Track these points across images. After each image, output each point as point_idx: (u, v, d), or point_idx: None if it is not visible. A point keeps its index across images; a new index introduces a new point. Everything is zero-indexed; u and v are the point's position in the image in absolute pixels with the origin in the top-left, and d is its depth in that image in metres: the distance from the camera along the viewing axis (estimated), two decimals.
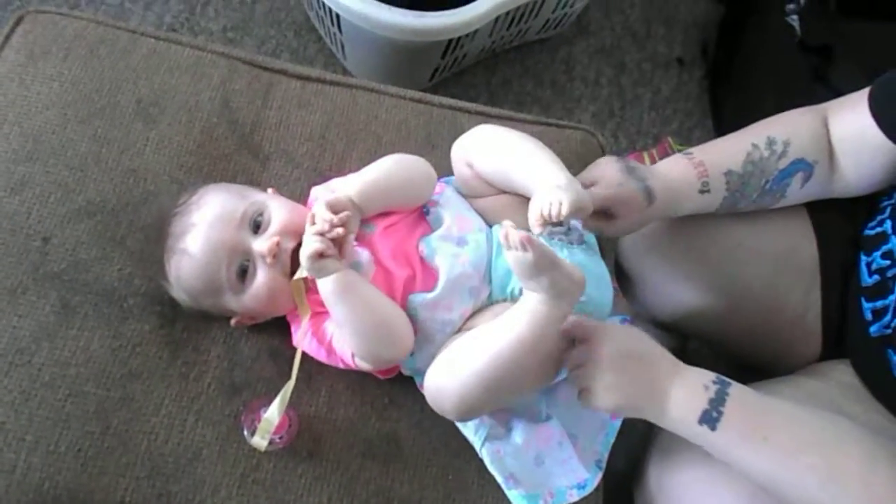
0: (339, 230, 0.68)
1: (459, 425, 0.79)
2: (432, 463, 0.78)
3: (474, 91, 1.60)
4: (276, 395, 0.72)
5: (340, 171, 0.87)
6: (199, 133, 0.88)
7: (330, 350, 0.75)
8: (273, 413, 0.71)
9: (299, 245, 0.70)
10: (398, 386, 0.80)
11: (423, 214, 0.80)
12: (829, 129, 0.84)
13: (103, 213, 0.81)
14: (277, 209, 0.75)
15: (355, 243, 0.76)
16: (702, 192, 0.82)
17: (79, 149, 0.83)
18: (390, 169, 0.78)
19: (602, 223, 0.80)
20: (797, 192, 0.85)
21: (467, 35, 1.33)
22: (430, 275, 0.75)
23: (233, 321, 0.78)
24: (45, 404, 0.72)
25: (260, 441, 0.71)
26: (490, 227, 0.80)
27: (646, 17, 1.80)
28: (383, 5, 1.23)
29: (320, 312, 0.74)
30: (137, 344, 0.76)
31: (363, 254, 0.75)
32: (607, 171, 0.80)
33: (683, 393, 0.67)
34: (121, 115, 0.86)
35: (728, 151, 0.84)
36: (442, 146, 0.94)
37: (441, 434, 0.79)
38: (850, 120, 0.82)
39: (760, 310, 0.91)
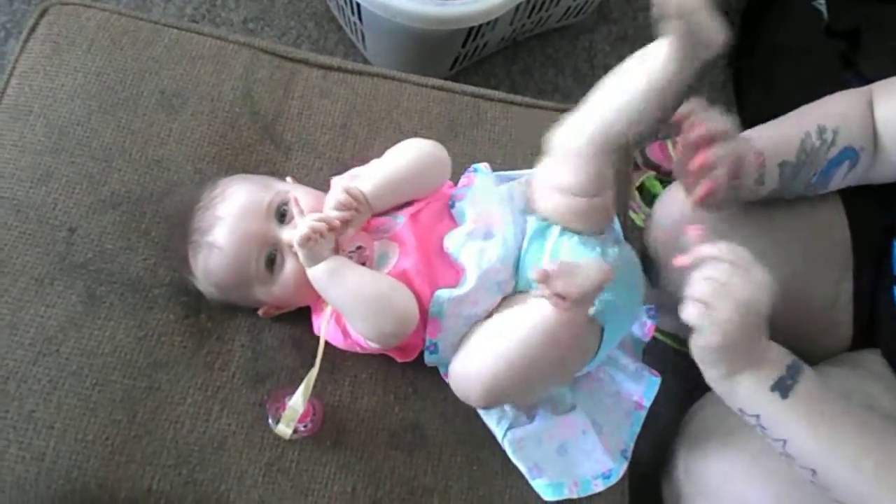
0: (336, 222, 0.69)
1: (483, 415, 0.78)
2: (456, 452, 0.78)
3: (495, 80, 1.58)
4: (300, 384, 0.72)
5: (363, 160, 0.86)
6: (222, 123, 0.88)
7: (346, 333, 0.75)
8: (297, 401, 0.71)
9: None
10: (422, 375, 0.80)
11: (447, 206, 0.80)
12: (874, 111, 0.82)
13: (128, 203, 0.81)
14: (302, 198, 0.75)
15: (387, 236, 0.76)
16: (757, 183, 0.79)
17: (103, 140, 0.84)
18: (405, 164, 0.78)
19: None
20: (840, 180, 0.83)
21: (488, 23, 1.31)
22: (455, 270, 0.74)
23: (260, 311, 0.78)
24: (73, 393, 0.73)
25: (284, 429, 0.71)
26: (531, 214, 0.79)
27: None
28: None
29: None
30: (163, 334, 0.77)
31: (391, 247, 0.75)
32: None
33: (769, 355, 0.66)
34: (144, 105, 0.87)
35: (782, 140, 0.80)
36: (464, 133, 0.93)
37: (465, 423, 0.79)
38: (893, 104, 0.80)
39: (790, 297, 0.89)
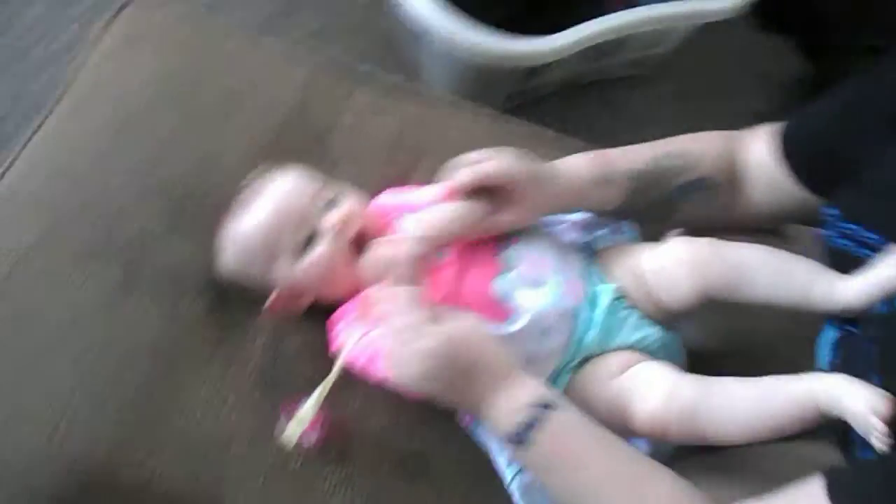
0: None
1: (495, 454, 0.77)
2: (459, 484, 0.77)
3: (549, 119, 1.57)
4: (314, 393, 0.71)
5: (406, 181, 0.88)
6: (277, 129, 0.90)
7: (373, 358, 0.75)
8: (308, 409, 0.70)
9: (361, 236, 0.75)
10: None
11: (493, 248, 0.79)
12: (738, 153, 0.81)
13: (175, 193, 0.83)
14: (351, 196, 0.78)
15: None
16: (605, 183, 0.78)
17: (162, 131, 0.87)
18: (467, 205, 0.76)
19: (490, 214, 0.75)
20: (697, 209, 0.81)
21: (548, 64, 1.32)
22: (502, 312, 0.74)
23: (269, 301, 0.78)
24: (95, 370, 0.74)
25: (291, 436, 0.71)
26: (603, 280, 0.79)
27: (735, 69, 1.77)
28: (469, 25, 1.24)
29: None
30: (188, 324, 0.78)
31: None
32: (499, 153, 0.76)
33: (497, 411, 0.64)
34: (204, 103, 0.89)
35: (636, 153, 0.80)
36: None
37: (472, 458, 0.78)
38: (758, 151, 0.79)
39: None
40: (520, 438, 0.62)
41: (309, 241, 0.75)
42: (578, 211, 0.84)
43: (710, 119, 1.64)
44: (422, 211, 0.75)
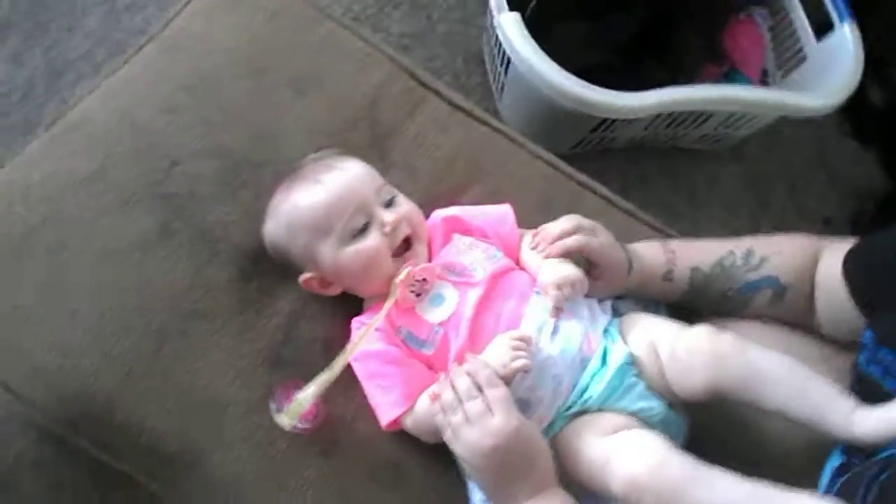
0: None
1: (470, 489, 0.77)
2: (431, 500, 0.78)
3: (609, 175, 1.58)
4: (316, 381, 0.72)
5: (453, 201, 0.89)
6: (341, 121, 0.92)
7: (374, 374, 0.77)
8: (307, 397, 0.71)
9: (408, 240, 0.78)
10: None
11: (532, 286, 0.79)
12: (818, 263, 0.80)
13: (230, 159, 0.86)
14: (407, 201, 0.81)
15: (455, 280, 0.78)
16: (665, 279, 0.82)
17: (232, 96, 0.89)
18: None
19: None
20: (764, 308, 0.82)
21: (623, 120, 1.32)
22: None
23: (303, 277, 0.79)
24: (116, 308, 0.76)
25: (286, 420, 0.71)
26: (616, 341, 0.78)
27: (807, 166, 1.74)
28: (556, 65, 1.24)
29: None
30: (212, 288, 0.80)
31: (451, 292, 0.77)
32: (605, 231, 0.81)
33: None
34: (279, 79, 0.91)
35: (702, 250, 0.84)
36: (556, 215, 0.93)
37: (449, 483, 0.78)
38: (833, 260, 0.78)
39: None
40: None
41: (361, 230, 0.76)
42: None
43: (769, 210, 1.64)
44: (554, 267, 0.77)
